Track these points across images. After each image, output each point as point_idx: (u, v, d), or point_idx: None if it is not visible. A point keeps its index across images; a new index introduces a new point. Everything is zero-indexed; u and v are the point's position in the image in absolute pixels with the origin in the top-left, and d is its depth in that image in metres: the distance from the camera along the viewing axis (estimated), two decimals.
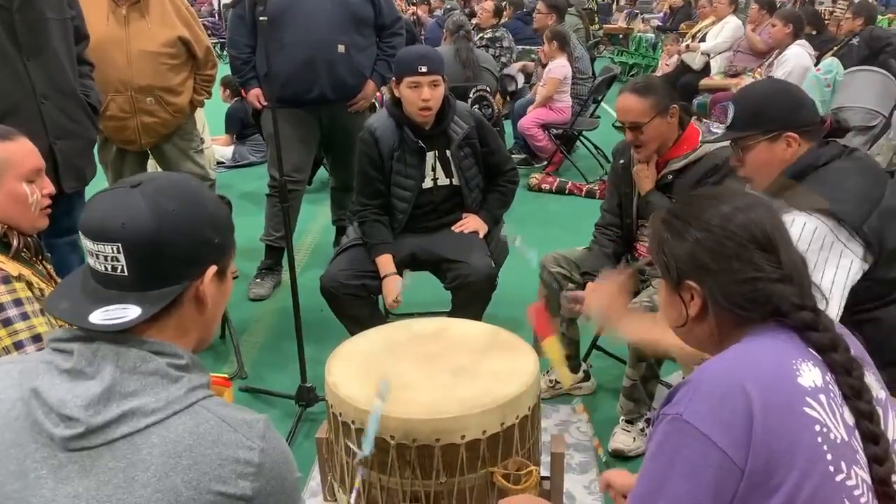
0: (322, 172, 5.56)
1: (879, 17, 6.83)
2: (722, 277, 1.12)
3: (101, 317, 0.93)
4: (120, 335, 0.94)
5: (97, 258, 0.96)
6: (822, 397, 1.04)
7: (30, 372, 0.95)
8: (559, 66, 5.81)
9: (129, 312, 0.93)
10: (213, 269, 1.01)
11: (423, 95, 2.63)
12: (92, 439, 0.89)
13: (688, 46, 7.23)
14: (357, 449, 1.74)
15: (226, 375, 2.10)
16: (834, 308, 1.67)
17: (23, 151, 1.69)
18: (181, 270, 0.98)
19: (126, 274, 0.95)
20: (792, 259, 1.14)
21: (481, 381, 1.83)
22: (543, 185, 5.52)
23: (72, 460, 0.90)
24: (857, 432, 1.06)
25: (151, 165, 3.73)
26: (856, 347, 1.16)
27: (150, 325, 0.96)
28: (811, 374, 1.06)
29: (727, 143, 2.43)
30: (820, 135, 1.83)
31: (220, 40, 13.72)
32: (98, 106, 2.69)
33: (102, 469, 0.89)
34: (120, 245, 0.94)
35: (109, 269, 0.95)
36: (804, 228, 1.68)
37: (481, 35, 6.85)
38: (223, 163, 6.32)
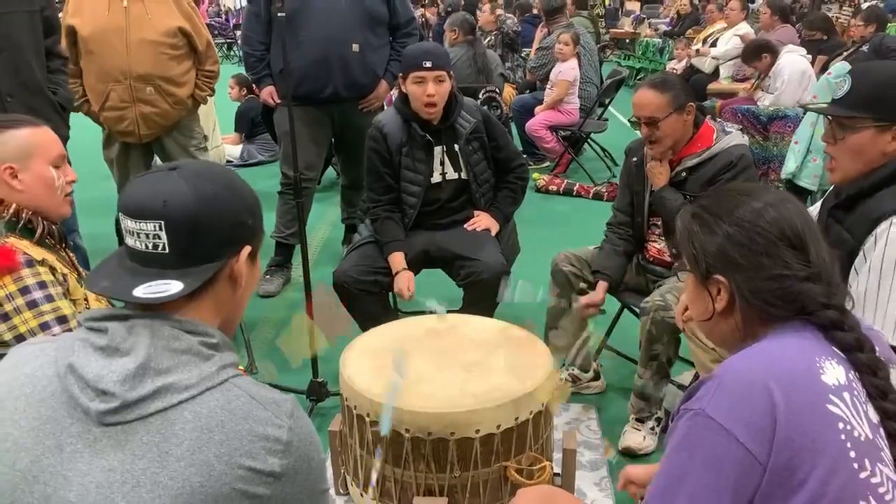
0: (330, 172, 5.57)
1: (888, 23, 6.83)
2: (750, 273, 1.12)
3: (144, 291, 0.95)
4: (154, 314, 0.97)
5: (137, 237, 0.98)
6: (846, 395, 1.04)
7: (65, 349, 0.97)
8: (569, 69, 5.82)
9: (172, 287, 0.96)
10: (247, 248, 1.05)
11: (427, 91, 2.63)
12: (126, 414, 0.91)
13: (698, 51, 7.25)
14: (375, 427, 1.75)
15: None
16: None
17: (49, 137, 1.73)
18: (219, 249, 1.01)
19: (167, 251, 0.98)
20: (821, 257, 1.13)
21: (495, 376, 1.84)
22: (551, 187, 5.54)
23: (106, 434, 0.91)
24: (881, 430, 1.05)
25: (156, 162, 3.74)
26: (882, 347, 1.15)
27: (188, 302, 0.99)
28: (834, 371, 1.05)
29: (742, 140, 2.44)
30: None
31: (228, 40, 13.83)
32: (67, 104, 2.61)
33: (137, 443, 0.90)
34: (162, 223, 0.96)
35: (150, 246, 0.98)
36: None
37: (489, 37, 6.85)
38: (231, 161, 6.34)
